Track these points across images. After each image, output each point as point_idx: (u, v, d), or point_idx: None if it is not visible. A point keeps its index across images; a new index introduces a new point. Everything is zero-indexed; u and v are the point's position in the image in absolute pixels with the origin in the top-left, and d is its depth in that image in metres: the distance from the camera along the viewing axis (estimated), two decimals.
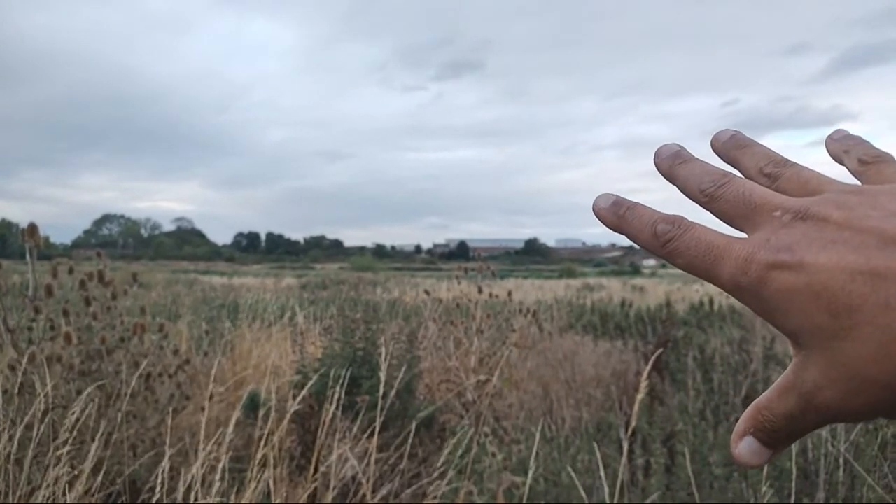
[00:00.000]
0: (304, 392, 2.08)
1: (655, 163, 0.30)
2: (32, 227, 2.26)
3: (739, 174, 0.29)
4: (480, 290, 3.86)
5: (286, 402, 2.21)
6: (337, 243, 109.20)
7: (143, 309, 2.97)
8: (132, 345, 2.66)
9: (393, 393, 2.23)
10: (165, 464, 1.60)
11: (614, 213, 0.28)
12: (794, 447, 1.85)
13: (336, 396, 2.07)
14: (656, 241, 0.27)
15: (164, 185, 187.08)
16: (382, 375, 2.06)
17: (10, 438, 1.69)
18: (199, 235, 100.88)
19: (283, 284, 14.73)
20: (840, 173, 0.29)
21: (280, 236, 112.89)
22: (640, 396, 1.73)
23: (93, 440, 1.74)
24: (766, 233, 0.25)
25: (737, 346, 4.05)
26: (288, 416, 2.02)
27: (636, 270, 43.11)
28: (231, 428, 1.77)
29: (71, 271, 2.70)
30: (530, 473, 1.74)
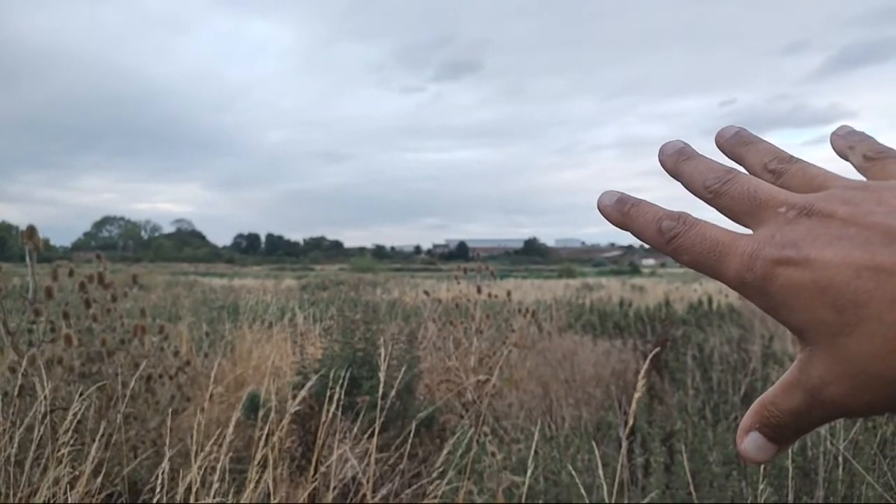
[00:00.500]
0: (304, 392, 2.08)
1: (660, 160, 0.30)
2: (32, 230, 2.26)
3: (744, 171, 0.29)
4: (480, 291, 3.87)
5: (286, 402, 2.20)
6: (337, 244, 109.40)
7: (144, 311, 2.98)
8: (132, 347, 2.66)
9: (393, 393, 2.23)
10: (165, 464, 1.60)
11: (619, 209, 0.28)
12: (793, 445, 1.84)
13: (336, 397, 2.06)
14: (661, 237, 0.27)
15: (164, 187, 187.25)
16: (382, 376, 2.06)
17: (11, 440, 1.69)
18: (199, 237, 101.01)
19: (283, 285, 14.71)
20: (844, 169, 0.29)
21: (280, 237, 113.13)
22: (637, 395, 1.73)
23: (93, 441, 1.74)
24: (771, 229, 0.25)
25: (735, 345, 4.05)
26: (288, 416, 2.02)
27: (635, 270, 43.13)
28: (231, 428, 1.77)
29: (71, 273, 2.70)
30: (529, 472, 1.74)
